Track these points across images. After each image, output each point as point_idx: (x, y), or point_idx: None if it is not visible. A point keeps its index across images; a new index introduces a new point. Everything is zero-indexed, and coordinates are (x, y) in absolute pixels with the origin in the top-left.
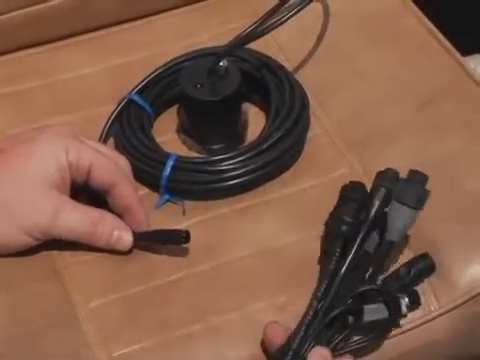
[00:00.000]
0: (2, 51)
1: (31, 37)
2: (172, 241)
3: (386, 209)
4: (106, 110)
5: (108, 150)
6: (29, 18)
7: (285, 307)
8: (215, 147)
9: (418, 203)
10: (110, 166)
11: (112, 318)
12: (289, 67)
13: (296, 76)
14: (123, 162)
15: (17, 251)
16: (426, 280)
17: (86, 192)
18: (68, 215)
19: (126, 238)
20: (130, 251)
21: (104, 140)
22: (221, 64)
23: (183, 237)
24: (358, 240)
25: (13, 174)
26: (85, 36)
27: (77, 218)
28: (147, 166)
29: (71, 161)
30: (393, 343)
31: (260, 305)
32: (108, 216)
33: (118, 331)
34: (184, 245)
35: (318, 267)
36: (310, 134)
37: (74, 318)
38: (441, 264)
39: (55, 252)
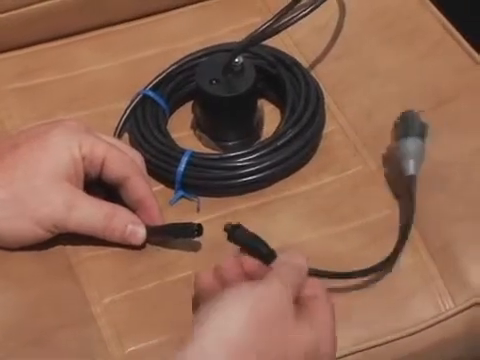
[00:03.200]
0: (18, 45)
1: (46, 31)
2: (184, 234)
3: None
4: (121, 106)
5: (121, 144)
6: (44, 12)
7: None
8: (230, 143)
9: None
10: (123, 159)
11: (126, 314)
12: (305, 64)
13: (312, 73)
14: (136, 156)
15: (30, 244)
16: (442, 279)
17: (99, 187)
18: (81, 208)
19: (140, 232)
20: (143, 246)
21: (119, 135)
22: (237, 60)
23: (195, 230)
24: None
25: (26, 167)
26: (100, 31)
27: (90, 211)
28: (162, 162)
29: (84, 154)
30: (409, 341)
31: None
32: (122, 210)
33: (132, 327)
34: (197, 239)
35: (336, 265)
36: (325, 131)
37: (88, 314)
38: (457, 263)
39: (69, 248)
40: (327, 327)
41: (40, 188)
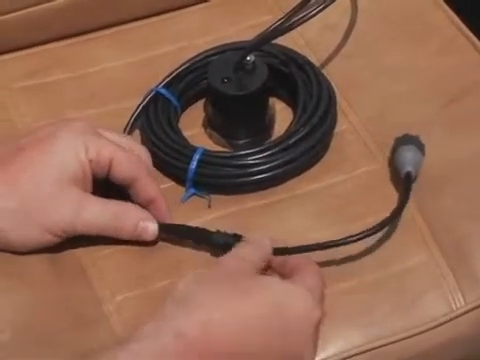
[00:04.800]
0: (29, 44)
1: (58, 30)
2: (197, 239)
3: None
4: (132, 104)
5: (128, 141)
6: (56, 11)
7: None
8: (241, 142)
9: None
10: (131, 160)
11: (139, 312)
12: (316, 62)
13: (323, 71)
14: (143, 152)
15: (39, 248)
16: (453, 277)
17: (110, 184)
18: (90, 211)
19: (151, 228)
20: (155, 243)
21: (129, 132)
22: (248, 59)
23: (209, 238)
24: None
25: (32, 173)
26: (112, 30)
27: (99, 212)
28: (174, 160)
29: (91, 157)
30: (419, 339)
31: None
32: (131, 208)
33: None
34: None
35: (345, 263)
36: (337, 130)
37: (100, 313)
38: (468, 261)
39: (80, 247)
40: (297, 286)
41: (47, 195)
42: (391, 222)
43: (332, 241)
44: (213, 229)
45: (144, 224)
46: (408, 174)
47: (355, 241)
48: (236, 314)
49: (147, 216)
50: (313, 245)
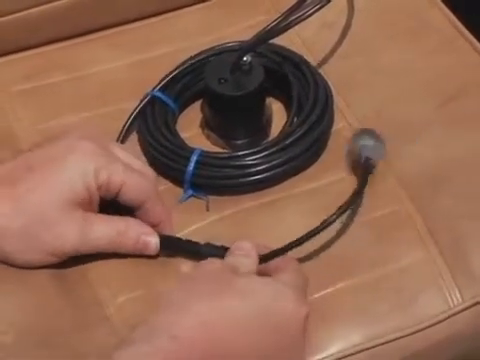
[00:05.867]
0: (26, 46)
1: (55, 32)
2: (187, 252)
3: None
4: (129, 106)
5: (137, 162)
6: (53, 13)
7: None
8: (239, 142)
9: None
10: (140, 185)
11: (140, 314)
12: (313, 62)
13: (320, 71)
14: (151, 174)
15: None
16: (450, 275)
17: None
18: (94, 232)
19: (152, 242)
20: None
21: (124, 136)
22: (245, 59)
23: (198, 251)
24: None
25: (40, 196)
26: (109, 31)
27: (103, 233)
28: (171, 161)
29: (101, 184)
30: (417, 337)
31: None
32: (133, 223)
33: None
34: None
35: (343, 263)
36: (334, 128)
37: (102, 315)
38: (466, 259)
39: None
40: (284, 285)
41: (53, 219)
42: (351, 205)
43: (301, 237)
44: (211, 231)
45: (146, 239)
46: (367, 159)
47: (318, 232)
48: (226, 315)
49: (149, 231)
50: (287, 245)
